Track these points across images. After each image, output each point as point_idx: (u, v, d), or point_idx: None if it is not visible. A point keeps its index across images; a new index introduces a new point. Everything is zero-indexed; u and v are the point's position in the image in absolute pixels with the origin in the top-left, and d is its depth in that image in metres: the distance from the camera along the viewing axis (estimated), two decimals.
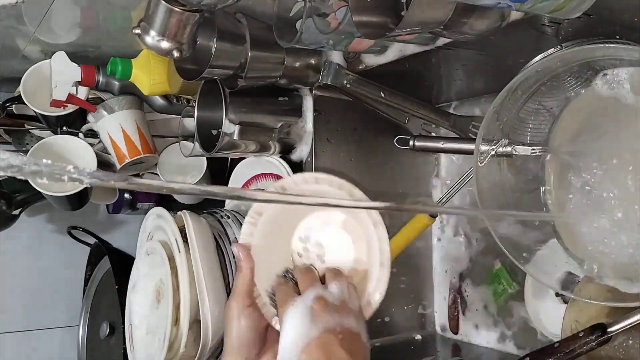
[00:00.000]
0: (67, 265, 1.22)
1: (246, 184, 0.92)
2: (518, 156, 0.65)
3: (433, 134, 0.81)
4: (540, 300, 0.77)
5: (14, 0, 0.62)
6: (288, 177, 0.77)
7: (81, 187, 0.92)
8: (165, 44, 0.61)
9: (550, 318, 0.75)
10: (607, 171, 0.59)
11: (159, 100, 0.94)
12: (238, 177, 0.93)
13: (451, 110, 0.93)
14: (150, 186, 0.32)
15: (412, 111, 0.77)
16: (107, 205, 1.19)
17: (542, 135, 0.66)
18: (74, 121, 0.94)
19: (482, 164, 0.63)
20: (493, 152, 0.63)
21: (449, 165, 0.96)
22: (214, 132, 0.80)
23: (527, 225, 0.64)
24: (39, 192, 0.93)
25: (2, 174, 0.26)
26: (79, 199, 0.98)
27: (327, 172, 0.58)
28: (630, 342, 0.60)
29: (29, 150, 0.92)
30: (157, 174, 1.02)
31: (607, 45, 0.56)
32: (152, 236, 0.80)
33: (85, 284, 1.16)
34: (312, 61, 0.76)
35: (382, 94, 0.75)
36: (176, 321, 0.71)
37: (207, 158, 1.00)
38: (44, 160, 0.27)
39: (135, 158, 0.93)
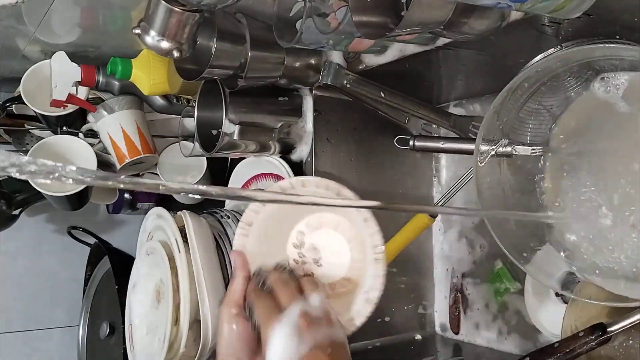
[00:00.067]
0: (67, 265, 1.22)
1: (246, 184, 0.92)
2: (518, 156, 0.65)
3: (433, 134, 0.81)
4: (540, 300, 0.77)
5: (14, 0, 0.62)
6: (274, 185, 0.77)
7: (81, 187, 0.92)
8: (165, 44, 0.61)
9: (550, 318, 0.75)
10: (607, 172, 0.59)
11: (159, 100, 0.94)
12: (238, 177, 0.93)
13: (451, 110, 0.93)
14: (150, 186, 0.32)
15: (412, 111, 0.77)
16: (107, 205, 1.19)
17: (542, 135, 0.66)
18: (74, 121, 0.94)
19: (482, 164, 0.63)
20: (493, 152, 0.63)
21: (449, 165, 0.96)
22: (214, 132, 0.80)
23: (527, 225, 0.64)
24: (39, 192, 0.93)
25: (2, 174, 0.26)
26: (79, 199, 0.98)
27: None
28: (630, 342, 0.60)
29: (29, 150, 0.92)
30: (157, 174, 1.02)
31: (607, 45, 0.56)
32: (152, 236, 0.80)
33: (85, 284, 1.16)
34: (312, 61, 0.76)
35: (382, 94, 0.75)
36: (176, 321, 0.71)
37: (207, 158, 0.99)
38: (44, 161, 0.27)
39: (135, 158, 0.93)
